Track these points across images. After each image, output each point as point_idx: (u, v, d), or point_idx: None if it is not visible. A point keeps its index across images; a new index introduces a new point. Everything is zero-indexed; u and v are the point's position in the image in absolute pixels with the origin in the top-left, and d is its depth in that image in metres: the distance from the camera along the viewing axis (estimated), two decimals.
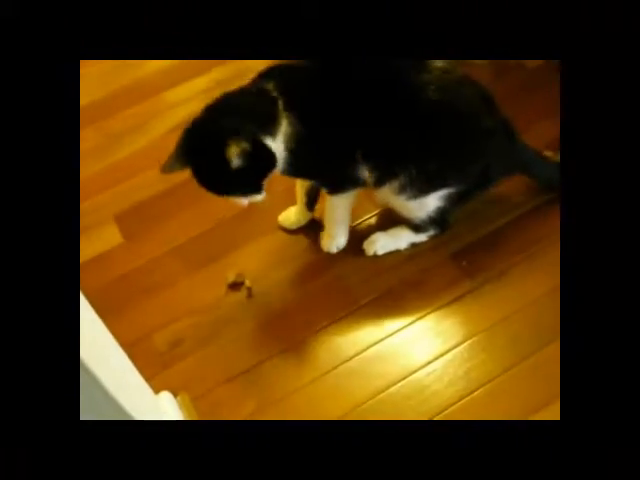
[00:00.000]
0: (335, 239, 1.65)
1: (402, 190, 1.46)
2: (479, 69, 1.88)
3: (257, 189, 1.38)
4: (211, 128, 1.35)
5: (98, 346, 0.97)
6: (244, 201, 1.40)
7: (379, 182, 1.47)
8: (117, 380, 0.99)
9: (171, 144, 1.97)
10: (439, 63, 1.40)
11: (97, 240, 1.76)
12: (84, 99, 2.12)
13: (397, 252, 1.65)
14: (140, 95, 2.15)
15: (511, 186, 1.69)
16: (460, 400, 1.40)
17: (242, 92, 1.40)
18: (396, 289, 1.59)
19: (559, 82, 0.88)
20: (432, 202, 1.51)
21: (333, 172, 1.50)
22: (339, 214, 1.61)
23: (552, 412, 1.34)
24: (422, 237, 1.63)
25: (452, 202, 1.52)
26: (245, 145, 1.30)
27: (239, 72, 2.13)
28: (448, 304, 1.55)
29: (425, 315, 1.53)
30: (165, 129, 2.04)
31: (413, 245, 1.64)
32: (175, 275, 1.68)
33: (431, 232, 1.62)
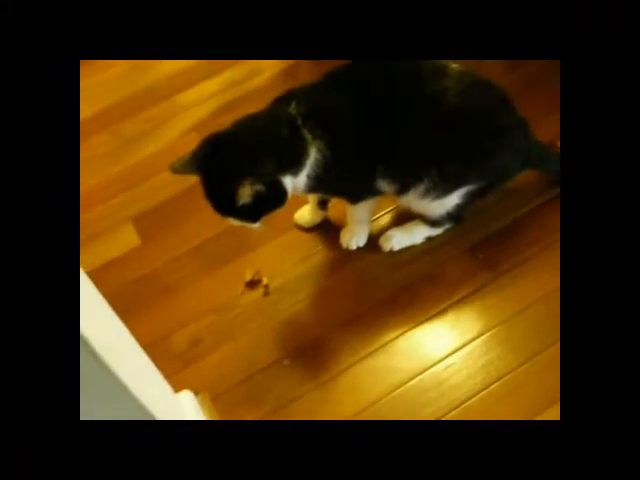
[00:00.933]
0: (356, 236, 1.66)
1: (426, 194, 1.46)
2: (490, 62, 1.88)
3: (255, 220, 1.39)
4: (232, 157, 1.32)
5: (118, 346, 0.98)
6: (237, 223, 1.40)
7: (403, 190, 1.47)
8: (137, 379, 1.00)
9: (185, 146, 1.98)
10: (456, 66, 1.40)
11: (115, 243, 1.77)
12: (98, 104, 2.14)
13: (413, 247, 1.65)
14: (153, 99, 2.16)
15: (526, 178, 1.69)
16: (479, 393, 1.40)
17: (269, 119, 1.37)
18: (414, 283, 1.59)
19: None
20: (452, 200, 1.51)
21: (354, 188, 1.51)
22: (360, 216, 1.62)
23: None
24: (438, 231, 1.63)
25: (471, 198, 1.52)
26: (260, 187, 1.29)
27: (251, 73, 2.16)
28: (466, 297, 1.55)
29: (443, 309, 1.54)
30: (179, 132, 2.06)
31: (429, 239, 1.64)
32: (193, 275, 1.69)
33: (447, 226, 1.62)
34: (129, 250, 1.77)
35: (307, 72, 2.16)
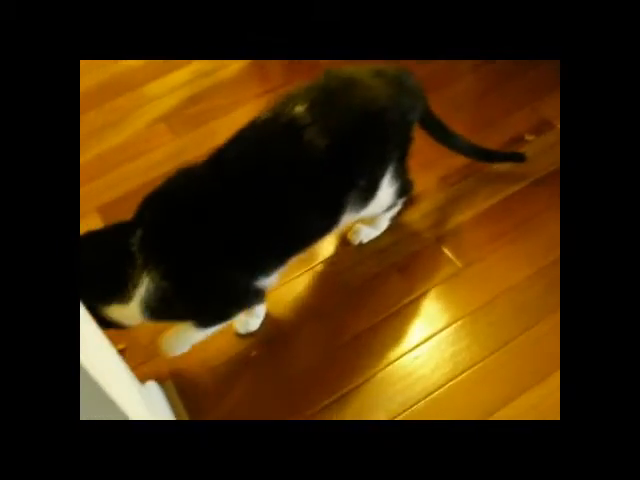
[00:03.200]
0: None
1: (357, 209, 1.41)
2: (457, 64, 1.90)
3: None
4: None
5: (84, 336, 0.96)
6: None
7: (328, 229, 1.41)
8: (102, 368, 0.98)
9: (153, 137, 1.97)
10: (300, 108, 1.27)
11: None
12: None
13: (382, 238, 1.65)
14: (118, 90, 2.14)
15: (494, 170, 1.71)
16: (447, 383, 1.40)
17: (102, 244, 1.27)
18: (382, 275, 1.59)
19: (532, 71, 0.88)
20: (385, 193, 1.47)
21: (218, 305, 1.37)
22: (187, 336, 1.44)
23: (537, 394, 1.35)
24: (396, 209, 1.62)
25: (399, 174, 1.47)
26: None
27: (220, 64, 2.15)
28: (433, 288, 1.55)
29: (411, 300, 1.54)
30: (146, 122, 2.04)
31: (392, 219, 1.65)
32: None
33: (400, 202, 1.60)
34: None
35: (277, 65, 2.16)
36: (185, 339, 1.44)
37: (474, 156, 1.72)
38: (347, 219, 1.43)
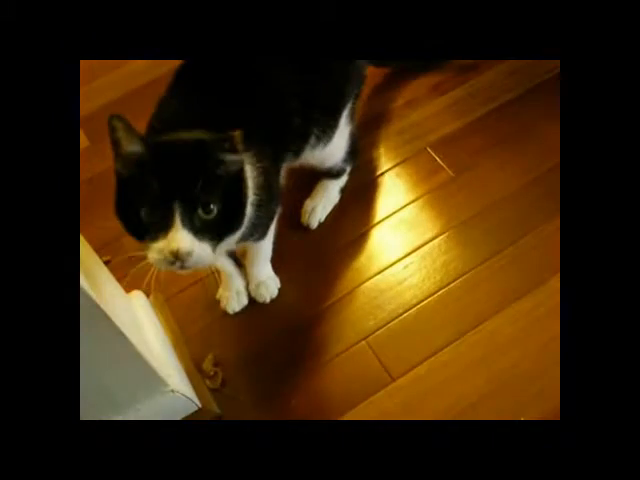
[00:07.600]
0: (270, 286, 1.45)
1: (321, 139, 1.34)
2: None
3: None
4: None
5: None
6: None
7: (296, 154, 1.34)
8: (89, 278, 0.97)
9: None
10: None
11: None
12: None
13: (373, 146, 1.61)
14: None
15: (488, 77, 1.66)
16: (438, 291, 1.39)
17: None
18: (372, 183, 1.56)
19: None
20: (342, 131, 1.41)
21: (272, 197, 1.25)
22: (268, 251, 1.41)
23: (530, 301, 1.35)
24: (344, 179, 1.54)
25: (352, 116, 1.43)
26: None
27: None
28: (425, 196, 1.52)
29: (401, 208, 1.52)
30: None
31: (341, 191, 1.55)
32: None
33: (349, 168, 1.53)
34: None
35: None
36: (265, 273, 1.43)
37: None
38: (312, 150, 1.35)
